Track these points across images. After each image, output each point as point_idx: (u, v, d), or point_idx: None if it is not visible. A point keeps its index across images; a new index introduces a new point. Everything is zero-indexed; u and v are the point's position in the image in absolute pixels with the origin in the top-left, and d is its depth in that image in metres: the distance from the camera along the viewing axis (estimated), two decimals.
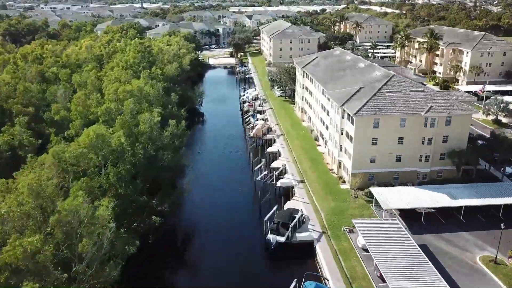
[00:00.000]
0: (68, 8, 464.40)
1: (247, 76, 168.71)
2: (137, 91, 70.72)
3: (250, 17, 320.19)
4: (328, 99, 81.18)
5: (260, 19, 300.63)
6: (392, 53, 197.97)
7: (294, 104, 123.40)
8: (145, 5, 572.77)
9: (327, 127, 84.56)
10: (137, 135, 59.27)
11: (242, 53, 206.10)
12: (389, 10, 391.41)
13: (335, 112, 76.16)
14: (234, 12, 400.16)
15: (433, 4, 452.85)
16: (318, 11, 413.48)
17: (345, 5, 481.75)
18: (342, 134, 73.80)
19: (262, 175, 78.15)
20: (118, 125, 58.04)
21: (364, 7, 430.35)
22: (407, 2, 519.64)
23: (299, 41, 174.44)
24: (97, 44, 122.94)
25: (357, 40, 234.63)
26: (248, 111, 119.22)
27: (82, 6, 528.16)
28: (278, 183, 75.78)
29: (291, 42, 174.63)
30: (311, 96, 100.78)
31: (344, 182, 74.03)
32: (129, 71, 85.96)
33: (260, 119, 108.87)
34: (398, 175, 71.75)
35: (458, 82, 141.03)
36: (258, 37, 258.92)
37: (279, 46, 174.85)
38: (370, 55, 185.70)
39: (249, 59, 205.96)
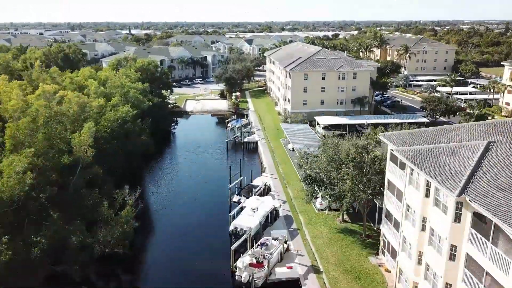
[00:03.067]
0: (41, 34, 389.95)
1: (246, 140, 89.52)
2: None
3: (250, 41, 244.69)
4: None
5: (263, 44, 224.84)
6: (483, 96, 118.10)
7: (374, 249, 44.02)
8: (135, 31, 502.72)
9: None
10: None
11: (238, 93, 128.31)
12: (410, 35, 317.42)
13: None
14: (230, 37, 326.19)
15: (462, 29, 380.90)
16: (330, 36, 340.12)
17: (358, 31, 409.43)
18: None
19: None
20: None
21: (385, 31, 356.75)
22: (425, 27, 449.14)
23: (339, 76, 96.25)
24: None
25: (405, 72, 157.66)
26: None
27: (61, 32, 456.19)
28: None
29: (324, 79, 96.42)
30: None
31: None
32: None
33: None
34: None
35: None
36: (261, 68, 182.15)
37: (303, 85, 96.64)
38: (448, 98, 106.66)
39: (250, 102, 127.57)
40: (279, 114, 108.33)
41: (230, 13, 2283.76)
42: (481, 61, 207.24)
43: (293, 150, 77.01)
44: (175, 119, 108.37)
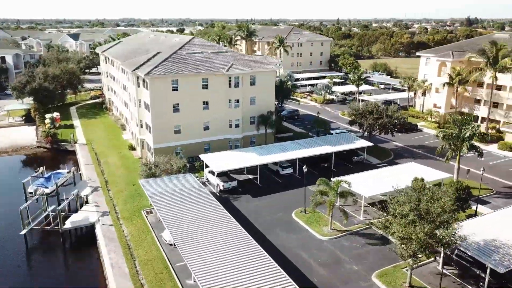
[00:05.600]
0: None
1: (68, 225, 42.05)
2: None
3: (75, 36, 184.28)
4: None
5: (94, 39, 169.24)
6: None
7: None
8: None
9: None
10: None
11: (56, 113, 77.25)
12: (276, 27, 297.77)
13: None
14: (50, 32, 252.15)
15: (303, 23, 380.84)
16: (175, 31, 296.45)
17: (201, 26, 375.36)
18: None
19: None
20: None
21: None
22: (266, 24, 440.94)
23: (231, 83, 56.08)
24: None
25: (281, 70, 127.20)
26: None
27: None
28: None
29: (206, 87, 55.06)
30: None
31: None
32: None
33: None
34: None
35: None
36: (94, 70, 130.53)
37: (172, 101, 53.53)
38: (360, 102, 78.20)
39: (78, 127, 77.59)
40: (132, 148, 62.93)
41: (51, 9, 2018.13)
42: (340, 54, 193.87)
43: (174, 245, 34.59)
44: None
